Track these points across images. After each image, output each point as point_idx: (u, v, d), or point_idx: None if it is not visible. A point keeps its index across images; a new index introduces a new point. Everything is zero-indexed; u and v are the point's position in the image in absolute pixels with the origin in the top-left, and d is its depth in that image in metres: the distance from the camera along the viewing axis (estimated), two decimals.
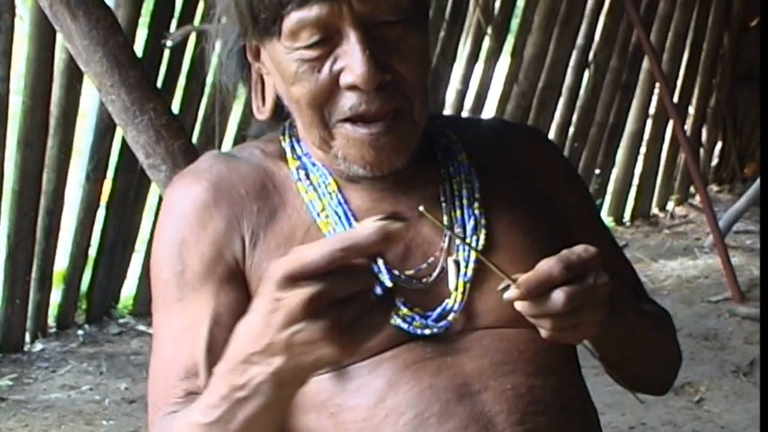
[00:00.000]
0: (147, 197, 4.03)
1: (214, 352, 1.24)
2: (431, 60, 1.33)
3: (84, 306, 4.08)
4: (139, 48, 3.60)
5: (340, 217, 1.30)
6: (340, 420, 1.24)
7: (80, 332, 3.99)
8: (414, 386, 1.24)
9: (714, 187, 5.91)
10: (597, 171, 5.26)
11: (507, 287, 1.19)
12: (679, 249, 5.13)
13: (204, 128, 3.97)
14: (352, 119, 1.26)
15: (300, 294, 0.99)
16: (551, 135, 4.92)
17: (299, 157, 1.35)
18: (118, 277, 4.10)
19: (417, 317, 1.27)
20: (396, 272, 1.29)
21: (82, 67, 1.83)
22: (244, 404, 1.08)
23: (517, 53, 4.86)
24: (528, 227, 1.34)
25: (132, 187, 3.95)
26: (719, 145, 5.98)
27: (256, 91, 1.36)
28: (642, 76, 5.32)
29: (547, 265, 1.17)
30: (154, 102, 1.78)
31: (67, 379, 3.67)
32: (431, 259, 1.31)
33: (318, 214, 1.31)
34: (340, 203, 1.31)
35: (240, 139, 3.76)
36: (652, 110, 5.47)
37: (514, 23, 4.90)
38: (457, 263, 1.30)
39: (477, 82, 4.75)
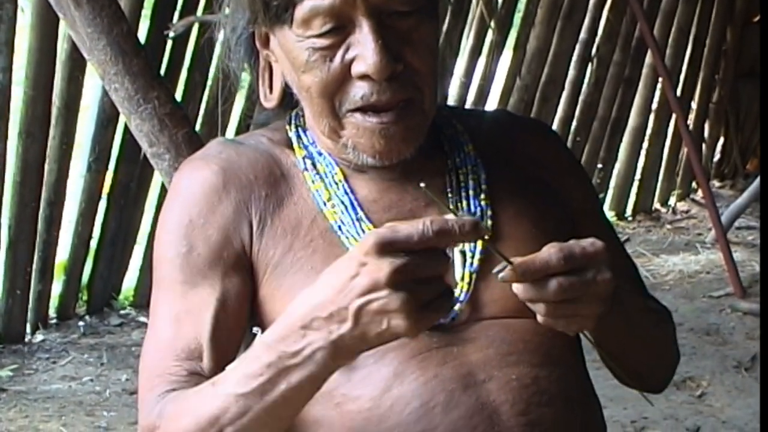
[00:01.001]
0: (148, 189, 4.03)
1: (218, 336, 1.25)
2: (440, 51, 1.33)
3: (85, 297, 4.08)
4: (141, 39, 3.59)
5: (346, 207, 1.30)
6: (345, 409, 1.24)
7: (81, 323, 3.99)
8: (420, 376, 1.24)
9: (716, 183, 5.90)
10: (599, 165, 5.26)
11: (500, 271, 1.18)
12: (680, 244, 5.13)
13: (207, 118, 3.96)
14: (363, 109, 1.26)
15: (389, 263, 1.03)
16: (553, 129, 4.91)
17: (306, 147, 1.35)
18: (119, 268, 4.10)
19: None
20: None
21: (85, 55, 1.82)
22: (291, 373, 1.10)
23: (520, 47, 4.85)
24: (534, 218, 1.35)
25: (133, 179, 3.95)
26: (721, 140, 5.98)
27: (263, 78, 1.36)
28: (645, 70, 5.31)
29: (547, 253, 1.16)
30: (158, 91, 1.77)
31: (67, 370, 3.67)
32: None
33: (324, 204, 1.31)
34: (346, 193, 1.31)
35: (244, 128, 3.77)
36: (654, 105, 5.46)
37: (517, 17, 4.89)
38: (463, 253, 1.30)
39: (479, 76, 4.75)
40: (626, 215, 5.48)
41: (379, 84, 1.24)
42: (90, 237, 3.96)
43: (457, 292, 1.28)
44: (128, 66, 1.76)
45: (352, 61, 1.25)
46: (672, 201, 5.69)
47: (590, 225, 1.39)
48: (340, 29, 1.24)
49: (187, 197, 1.31)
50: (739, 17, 5.71)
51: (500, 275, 1.17)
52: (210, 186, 1.30)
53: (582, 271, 1.17)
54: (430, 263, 1.05)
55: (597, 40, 5.09)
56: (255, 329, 1.32)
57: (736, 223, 5.03)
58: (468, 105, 4.67)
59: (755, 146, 5.93)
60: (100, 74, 1.79)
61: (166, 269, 1.30)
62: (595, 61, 5.11)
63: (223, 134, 3.43)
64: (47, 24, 3.47)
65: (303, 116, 1.36)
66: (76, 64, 3.58)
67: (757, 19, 5.68)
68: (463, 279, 1.29)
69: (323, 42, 1.25)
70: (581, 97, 5.12)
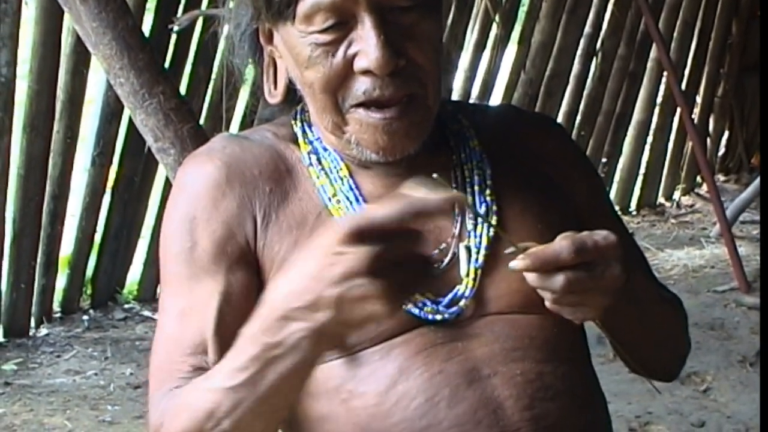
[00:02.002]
0: (153, 183, 4.03)
1: (223, 330, 1.24)
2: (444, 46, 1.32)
3: (89, 291, 4.08)
4: (145, 33, 3.59)
5: (351, 203, 1.30)
6: (351, 406, 1.24)
7: (85, 317, 4.00)
8: (425, 371, 1.24)
9: (721, 177, 5.89)
10: (604, 160, 5.25)
11: (512, 253, 1.20)
12: (685, 238, 5.12)
13: (211, 113, 3.96)
14: (366, 104, 1.26)
15: (365, 251, 1.01)
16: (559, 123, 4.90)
17: (311, 142, 1.35)
18: (123, 262, 4.10)
19: (429, 303, 1.27)
20: None
21: (90, 50, 1.82)
22: (278, 363, 1.09)
23: (524, 41, 4.85)
24: (539, 213, 1.34)
25: (137, 173, 3.95)
26: (726, 134, 5.96)
27: (268, 74, 1.35)
28: (649, 64, 5.30)
29: (559, 245, 1.17)
30: (164, 85, 1.77)
31: (72, 364, 3.67)
32: (443, 245, 1.30)
33: (329, 199, 1.31)
34: (351, 188, 1.31)
35: (248, 123, 3.76)
36: (659, 99, 5.45)
37: (522, 11, 4.88)
38: (468, 249, 1.30)
39: (484, 70, 4.74)
40: (630, 210, 5.47)
41: (382, 79, 1.24)
42: (94, 231, 3.96)
43: (462, 288, 1.28)
44: (133, 60, 1.76)
45: (354, 56, 1.24)
46: (676, 195, 5.68)
47: (598, 217, 1.38)
48: (343, 25, 1.24)
49: (191, 193, 1.31)
50: (744, 10, 5.69)
51: (510, 264, 1.17)
52: (214, 181, 1.30)
53: (592, 265, 1.17)
54: (406, 245, 1.03)
55: (602, 34, 5.08)
56: None
57: (741, 218, 5.02)
58: (472, 99, 4.67)
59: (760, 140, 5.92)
60: (106, 68, 1.79)
61: (172, 265, 1.30)
62: (599, 55, 5.10)
63: (227, 129, 3.44)
64: (51, 18, 3.47)
65: (308, 111, 1.36)
66: (81, 58, 3.57)
67: None
68: (468, 275, 1.29)
69: (325, 38, 1.24)
70: (585, 92, 5.11)
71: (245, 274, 1.28)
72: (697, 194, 5.71)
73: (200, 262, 1.28)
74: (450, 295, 1.28)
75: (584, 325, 1.36)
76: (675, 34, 5.38)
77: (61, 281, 3.95)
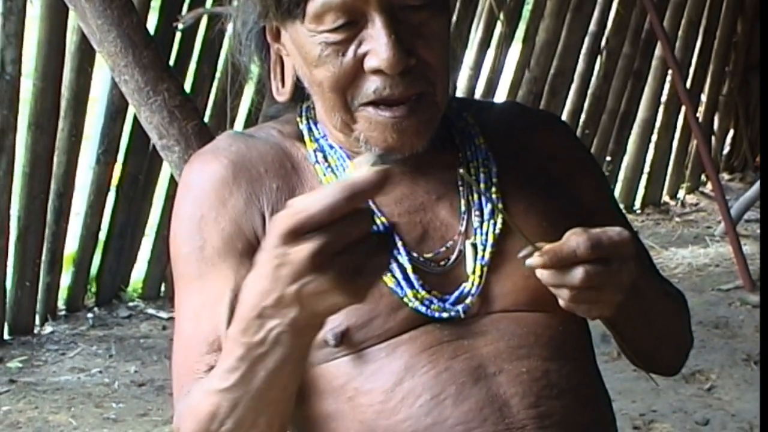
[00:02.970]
0: (157, 181, 4.04)
1: None
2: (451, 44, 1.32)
3: (94, 289, 4.09)
4: (150, 31, 3.59)
5: None
6: (357, 403, 1.24)
7: (90, 315, 4.00)
8: (431, 369, 1.24)
9: (725, 175, 5.89)
10: (608, 158, 5.25)
11: (527, 256, 1.20)
12: (689, 237, 5.12)
13: (215, 110, 3.96)
14: (375, 102, 1.26)
15: (306, 248, 0.98)
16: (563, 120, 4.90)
17: (317, 140, 1.35)
18: (127, 260, 4.10)
19: (435, 300, 1.27)
20: (415, 255, 1.29)
21: (95, 47, 1.82)
22: (265, 359, 1.08)
23: (528, 39, 4.84)
24: (544, 211, 1.34)
25: (142, 171, 3.96)
26: (731, 133, 5.96)
27: (275, 72, 1.35)
28: (654, 63, 5.30)
29: (575, 241, 1.17)
30: (168, 83, 1.77)
31: (76, 361, 3.68)
32: (449, 242, 1.30)
33: None
34: None
35: (253, 121, 3.76)
36: (664, 98, 5.45)
37: (526, 9, 4.88)
38: (474, 247, 1.30)
39: (488, 68, 4.74)
40: (635, 208, 5.47)
41: (392, 78, 1.24)
42: (99, 229, 3.97)
43: (468, 285, 1.28)
44: (138, 58, 1.76)
45: (364, 55, 1.24)
46: (681, 194, 5.68)
47: (603, 215, 1.38)
48: (353, 24, 1.24)
49: (197, 192, 1.31)
50: (749, 9, 5.68)
51: (527, 261, 1.17)
52: (220, 179, 1.30)
53: (607, 261, 1.17)
54: (350, 229, 0.98)
55: (606, 32, 5.07)
56: None
57: (746, 216, 5.01)
58: (477, 97, 4.67)
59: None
60: (110, 66, 1.79)
61: (183, 266, 1.30)
62: (604, 53, 5.09)
63: (232, 126, 3.44)
64: (56, 15, 3.47)
65: (314, 109, 1.36)
66: (85, 56, 3.58)
67: None
68: (474, 272, 1.29)
69: (336, 37, 1.24)
70: (590, 90, 5.11)
71: None
72: (702, 193, 5.71)
73: (210, 260, 1.28)
74: (456, 293, 1.28)
75: (589, 323, 1.36)
76: (680, 33, 5.38)
77: (65, 279, 3.96)
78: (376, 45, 1.23)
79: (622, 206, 5.49)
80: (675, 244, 5.00)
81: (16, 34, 3.45)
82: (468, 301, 1.28)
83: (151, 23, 3.70)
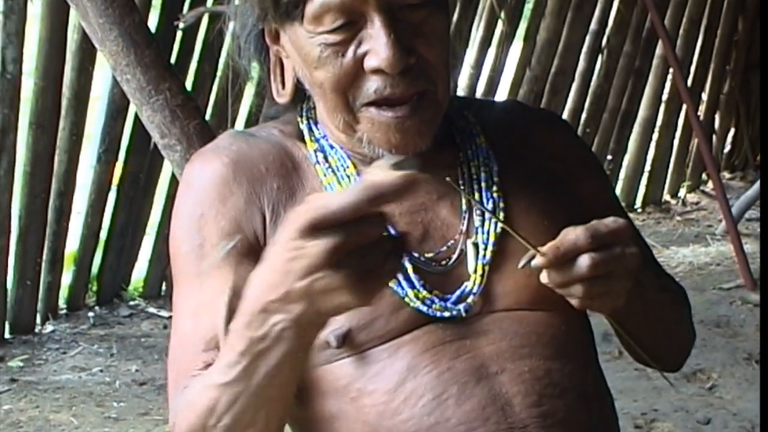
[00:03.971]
0: (158, 180, 4.04)
1: None
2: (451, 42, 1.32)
3: (94, 288, 4.09)
4: (151, 30, 3.59)
5: None
6: (360, 404, 1.24)
7: (91, 314, 4.00)
8: (433, 369, 1.24)
9: (726, 174, 5.88)
10: (609, 157, 5.24)
11: (529, 261, 1.18)
12: (690, 236, 5.11)
13: (216, 110, 3.96)
14: (377, 103, 1.26)
15: (323, 243, 0.99)
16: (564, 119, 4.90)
17: (317, 140, 1.35)
18: (128, 259, 4.10)
19: (436, 300, 1.27)
20: (416, 254, 1.29)
21: (97, 46, 1.82)
22: (266, 355, 1.08)
23: (529, 38, 4.84)
24: (545, 210, 1.34)
25: (143, 170, 3.96)
26: (732, 131, 5.96)
27: (275, 74, 1.35)
28: (655, 61, 5.30)
29: (573, 233, 1.17)
30: (170, 82, 1.77)
31: (77, 360, 3.68)
32: (450, 242, 1.30)
33: None
34: None
35: (253, 120, 3.76)
36: (665, 96, 5.45)
37: (527, 8, 4.88)
38: (476, 246, 1.30)
39: (489, 67, 4.74)
40: (636, 207, 5.47)
41: (393, 77, 1.24)
42: (100, 228, 3.97)
43: (470, 284, 1.28)
44: (140, 57, 1.76)
45: (364, 55, 1.24)
46: (682, 192, 5.68)
47: (604, 213, 1.37)
48: (352, 24, 1.24)
49: (198, 190, 1.31)
50: (750, 7, 5.68)
51: (533, 263, 1.16)
52: (221, 178, 1.30)
53: (610, 247, 1.17)
54: (367, 231, 1.00)
55: (607, 31, 5.07)
56: None
57: (747, 215, 5.01)
58: (478, 96, 4.66)
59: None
60: (112, 65, 1.79)
61: (182, 264, 1.30)
62: (605, 52, 5.09)
63: (233, 126, 3.44)
64: (57, 14, 3.47)
65: (314, 109, 1.36)
66: (87, 55, 3.58)
67: None
68: (476, 271, 1.29)
69: (335, 38, 1.24)
70: (591, 89, 5.11)
71: (255, 268, 1.28)
72: (703, 191, 5.70)
73: (210, 259, 1.28)
74: (458, 292, 1.28)
75: (591, 322, 1.36)
76: (681, 31, 5.37)
77: (66, 278, 3.96)
78: (376, 44, 1.23)
79: (623, 205, 5.50)
80: (676, 243, 4.99)
81: (17, 32, 3.45)
82: (469, 300, 1.28)
83: (152, 22, 3.70)
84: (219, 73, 3.95)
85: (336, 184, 1.31)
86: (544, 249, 1.16)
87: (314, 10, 1.24)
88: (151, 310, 4.08)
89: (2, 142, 3.52)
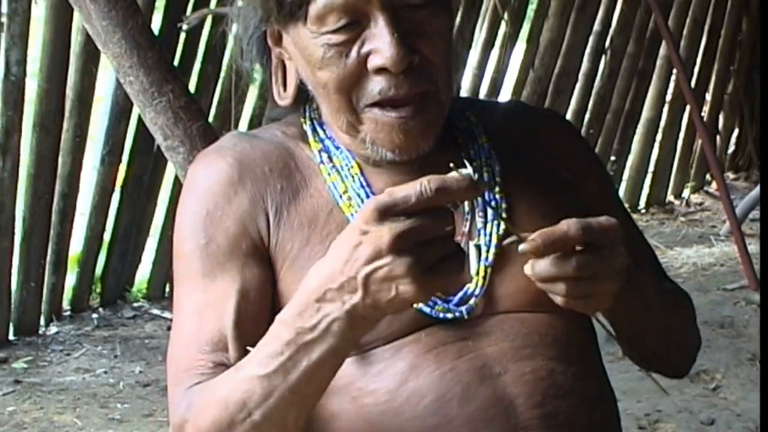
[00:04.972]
0: (162, 182, 4.04)
1: (242, 326, 1.25)
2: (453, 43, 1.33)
3: (98, 290, 4.09)
4: (155, 32, 3.60)
5: (362, 200, 1.30)
6: (362, 403, 1.25)
7: (95, 316, 4.01)
8: (435, 369, 1.24)
9: (730, 175, 5.88)
10: (612, 158, 5.24)
11: (514, 242, 1.16)
12: (694, 237, 5.11)
13: (220, 111, 3.96)
14: (381, 103, 1.26)
15: (389, 228, 1.03)
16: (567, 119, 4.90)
17: (321, 140, 1.35)
18: (132, 261, 4.11)
19: (439, 301, 1.27)
20: None
21: (100, 48, 1.82)
22: (311, 348, 1.10)
23: (533, 39, 4.84)
24: (548, 210, 1.34)
25: (147, 172, 3.96)
26: (736, 132, 5.95)
27: (276, 76, 1.36)
28: (659, 62, 5.30)
29: (566, 224, 1.16)
30: (173, 83, 1.77)
31: (81, 362, 3.68)
32: None
33: (340, 196, 1.31)
34: (362, 186, 1.31)
35: (257, 122, 3.77)
36: (668, 97, 5.44)
37: (531, 9, 4.88)
38: (478, 248, 1.30)
39: (493, 68, 4.74)
40: (640, 208, 5.46)
41: (396, 77, 1.24)
42: (103, 230, 3.97)
43: (472, 286, 1.28)
44: (143, 59, 1.76)
45: (367, 55, 1.25)
46: (686, 193, 5.67)
47: (606, 213, 1.37)
48: (355, 24, 1.24)
49: (203, 190, 1.32)
50: (754, 8, 5.67)
51: (520, 247, 1.15)
52: (226, 178, 1.31)
53: (598, 248, 1.16)
54: (432, 223, 1.05)
55: (611, 31, 5.07)
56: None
57: (751, 215, 5.00)
58: (481, 97, 4.66)
59: None
60: (115, 67, 1.79)
61: (186, 263, 1.31)
62: (608, 53, 5.09)
63: (236, 127, 3.44)
64: (61, 16, 3.48)
65: (317, 109, 1.36)
66: (90, 57, 3.58)
67: None
68: (478, 273, 1.29)
69: (338, 38, 1.25)
70: (594, 90, 5.11)
71: (261, 270, 1.28)
72: (707, 192, 5.70)
73: (215, 259, 1.28)
74: (460, 294, 1.28)
75: (594, 322, 1.36)
76: (684, 32, 5.37)
77: (70, 279, 3.96)
78: (379, 44, 1.23)
79: (626, 206, 5.51)
80: (680, 244, 4.99)
81: (21, 35, 3.46)
82: (472, 302, 1.28)
83: (156, 24, 3.71)
84: (222, 75, 3.95)
85: (340, 183, 1.31)
86: (533, 235, 1.15)
87: (318, 10, 1.24)
88: (155, 311, 4.08)
89: (6, 144, 3.52)
